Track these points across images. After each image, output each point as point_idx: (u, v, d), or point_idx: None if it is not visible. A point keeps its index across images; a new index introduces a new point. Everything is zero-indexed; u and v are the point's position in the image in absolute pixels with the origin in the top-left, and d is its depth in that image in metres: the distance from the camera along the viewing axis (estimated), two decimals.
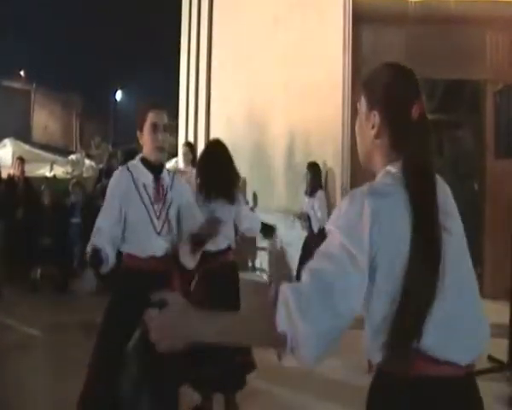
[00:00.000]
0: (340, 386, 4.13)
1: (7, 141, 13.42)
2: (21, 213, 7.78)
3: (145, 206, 2.53)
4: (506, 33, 7.21)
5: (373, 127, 1.37)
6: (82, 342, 5.06)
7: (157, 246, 2.54)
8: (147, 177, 2.57)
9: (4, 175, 8.42)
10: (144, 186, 2.55)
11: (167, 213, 2.57)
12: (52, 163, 12.27)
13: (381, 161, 1.37)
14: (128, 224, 2.52)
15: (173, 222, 2.60)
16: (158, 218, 2.55)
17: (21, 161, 8.33)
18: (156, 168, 2.61)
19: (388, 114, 1.36)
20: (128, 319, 2.45)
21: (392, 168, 1.32)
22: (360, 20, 6.92)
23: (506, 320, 4.64)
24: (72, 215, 8.04)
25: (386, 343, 1.23)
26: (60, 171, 11.92)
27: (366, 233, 1.20)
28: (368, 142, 1.39)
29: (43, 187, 8.35)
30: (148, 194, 2.54)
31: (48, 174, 11.49)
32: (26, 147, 13.98)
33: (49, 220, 7.82)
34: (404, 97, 1.35)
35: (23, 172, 8.26)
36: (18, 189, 8.02)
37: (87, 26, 31.94)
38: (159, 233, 2.54)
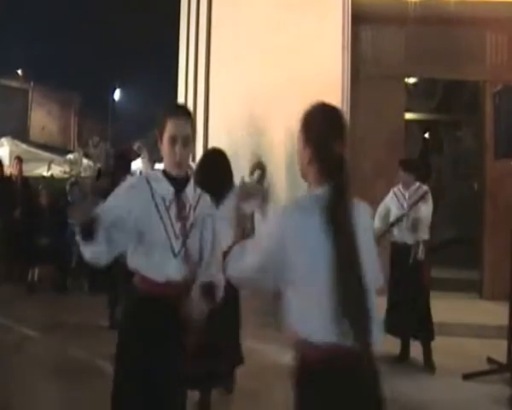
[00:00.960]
0: None
1: (4, 140, 13.36)
2: (19, 213, 7.75)
3: (163, 224, 2.24)
4: (506, 34, 7.20)
5: (305, 157, 1.86)
6: (80, 343, 5.05)
7: (173, 269, 2.25)
8: (167, 190, 2.28)
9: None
10: (163, 200, 2.26)
11: (188, 235, 2.28)
12: (50, 162, 12.20)
13: (313, 181, 1.86)
14: (145, 245, 2.24)
15: (195, 245, 2.32)
16: (177, 238, 2.26)
17: (19, 160, 8.31)
18: (179, 182, 2.30)
19: (316, 150, 1.84)
20: (144, 354, 2.16)
21: (318, 191, 1.80)
22: (359, 20, 6.90)
23: (505, 322, 4.63)
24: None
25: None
26: (57, 170, 11.87)
27: (279, 236, 1.76)
28: (303, 166, 1.89)
29: (40, 187, 8.32)
30: (167, 210, 2.26)
31: (45, 174, 11.45)
32: (24, 146, 13.92)
33: (46, 220, 7.79)
34: (329, 138, 1.82)
35: (21, 171, 8.23)
36: (16, 188, 7.98)
37: (85, 25, 31.90)
38: (176, 255, 2.25)
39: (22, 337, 5.31)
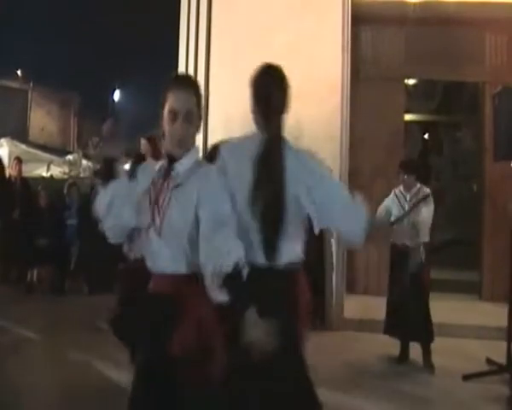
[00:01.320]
0: (340, 383, 4.11)
1: (4, 141, 13.35)
2: (18, 214, 7.73)
3: (150, 201, 2.02)
4: (505, 35, 7.21)
5: (251, 108, 2.23)
6: (79, 344, 5.04)
7: (161, 254, 1.99)
8: (162, 170, 2.05)
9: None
10: (157, 180, 2.06)
11: (164, 211, 1.98)
12: (49, 163, 12.21)
13: (256, 129, 2.23)
14: (141, 230, 2.09)
15: (174, 221, 1.97)
16: (158, 214, 1.98)
17: (19, 161, 8.30)
18: (174, 160, 2.03)
19: (256, 103, 2.22)
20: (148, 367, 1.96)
21: (259, 133, 2.20)
22: (359, 20, 6.90)
23: (505, 323, 4.62)
24: (68, 216, 8.00)
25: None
26: (57, 171, 11.87)
27: (221, 165, 2.18)
28: (252, 115, 2.24)
29: (39, 187, 8.31)
30: (154, 188, 2.03)
31: (45, 174, 11.45)
32: (23, 147, 13.91)
33: (45, 221, 7.78)
34: (268, 93, 2.18)
35: (20, 172, 8.22)
36: (15, 189, 7.97)
37: (85, 25, 31.91)
38: (160, 234, 1.97)
39: (20, 339, 5.29)
